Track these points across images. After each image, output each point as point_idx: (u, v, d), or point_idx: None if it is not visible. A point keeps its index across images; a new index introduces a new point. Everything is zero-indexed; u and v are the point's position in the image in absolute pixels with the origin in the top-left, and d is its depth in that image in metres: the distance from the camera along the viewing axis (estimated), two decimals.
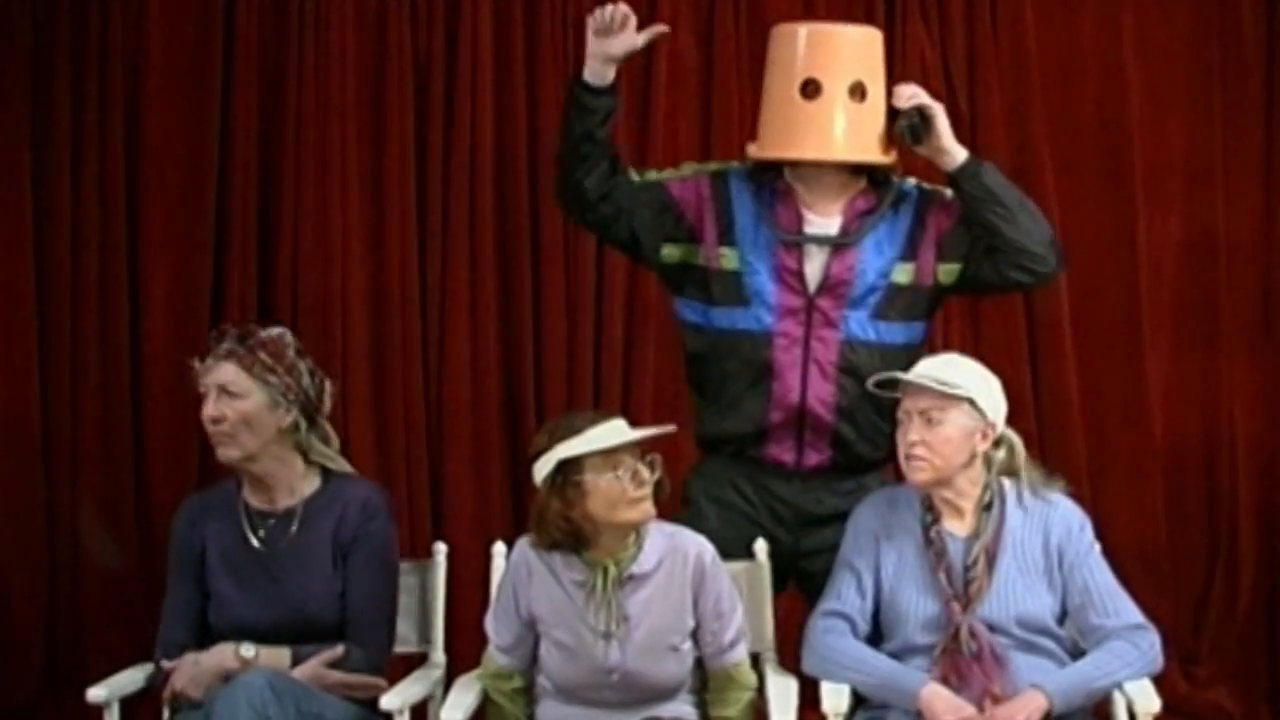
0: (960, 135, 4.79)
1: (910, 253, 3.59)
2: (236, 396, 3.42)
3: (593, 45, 3.58)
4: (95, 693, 3.37)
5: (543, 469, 3.23)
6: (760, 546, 3.61)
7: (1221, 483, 4.88)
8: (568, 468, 3.22)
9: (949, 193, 3.61)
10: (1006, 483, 3.40)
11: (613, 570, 3.27)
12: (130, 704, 3.46)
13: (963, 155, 3.56)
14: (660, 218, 3.61)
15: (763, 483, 3.61)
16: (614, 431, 3.22)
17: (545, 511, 3.25)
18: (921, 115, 3.53)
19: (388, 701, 3.30)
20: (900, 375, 3.37)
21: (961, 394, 3.31)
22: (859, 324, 3.56)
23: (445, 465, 4.77)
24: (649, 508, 3.24)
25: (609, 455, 3.21)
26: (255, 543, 3.47)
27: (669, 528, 3.35)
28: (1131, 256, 4.85)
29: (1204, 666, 4.84)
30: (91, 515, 4.73)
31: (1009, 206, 3.54)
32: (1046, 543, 3.35)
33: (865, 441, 3.59)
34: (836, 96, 3.54)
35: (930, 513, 3.38)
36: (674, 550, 3.31)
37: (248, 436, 3.43)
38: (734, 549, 3.52)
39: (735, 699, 3.35)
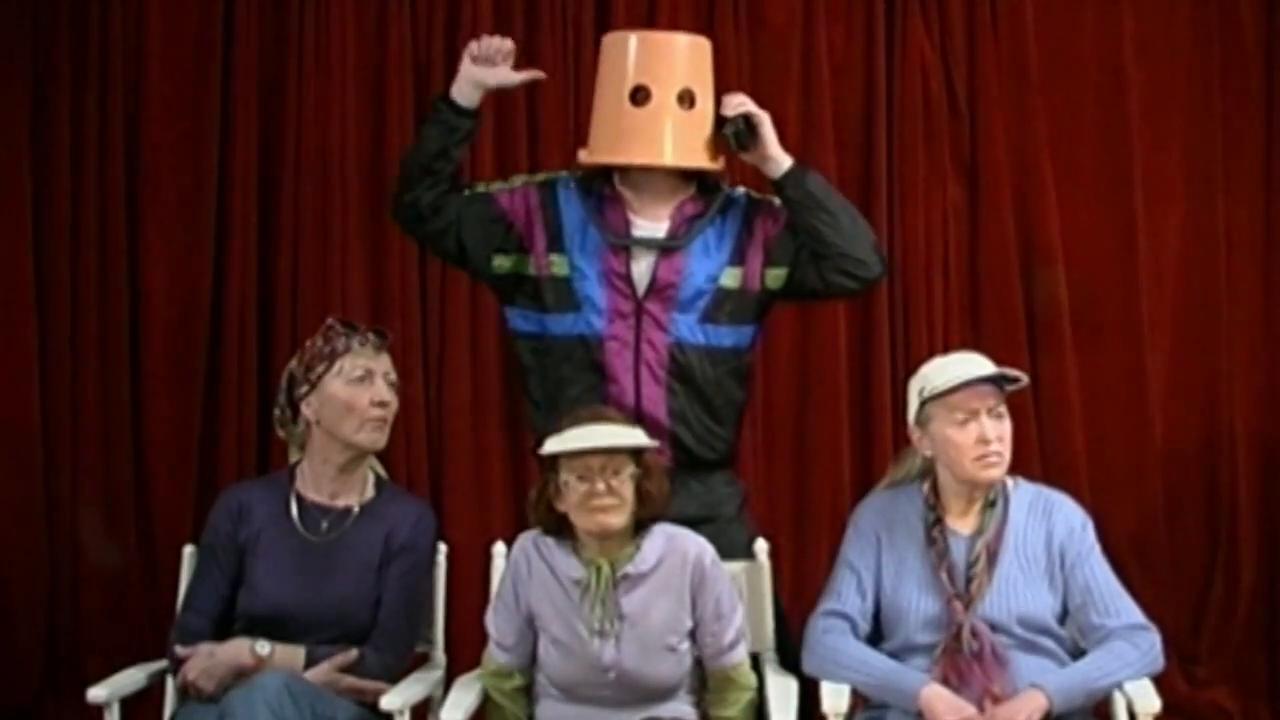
0: (960, 135, 4.86)
1: (738, 258, 3.64)
2: (394, 388, 3.58)
3: (467, 68, 3.64)
4: (95, 693, 3.37)
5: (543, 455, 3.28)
6: (760, 546, 3.62)
7: (1221, 483, 4.87)
8: (554, 460, 3.26)
9: (777, 201, 3.66)
10: (1009, 481, 3.40)
11: (607, 570, 3.28)
12: (130, 704, 3.47)
13: (788, 162, 3.62)
14: (489, 229, 3.66)
15: None
16: (589, 435, 3.23)
17: (536, 497, 3.31)
18: (747, 122, 3.59)
19: (388, 702, 3.31)
20: (989, 370, 3.36)
21: (1022, 385, 3.37)
22: (688, 327, 3.60)
23: (445, 465, 4.77)
24: (606, 519, 3.23)
25: (578, 458, 3.23)
26: (307, 534, 3.50)
27: (671, 528, 3.35)
28: (1131, 256, 4.85)
29: (1204, 666, 4.84)
30: (91, 515, 4.73)
31: (832, 212, 3.60)
32: (1049, 542, 3.35)
33: (701, 444, 3.62)
34: (665, 103, 3.58)
35: (933, 511, 3.39)
36: (673, 550, 3.32)
37: (388, 429, 3.56)
38: None
39: (735, 699, 3.36)
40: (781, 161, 3.61)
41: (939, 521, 3.38)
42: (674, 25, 4.78)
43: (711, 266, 3.62)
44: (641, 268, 3.61)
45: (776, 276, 3.66)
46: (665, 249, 3.60)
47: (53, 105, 4.73)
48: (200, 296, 4.75)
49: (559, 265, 3.64)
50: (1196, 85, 4.88)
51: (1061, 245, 4.82)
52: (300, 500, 3.55)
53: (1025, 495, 3.42)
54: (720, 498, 3.66)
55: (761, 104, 4.77)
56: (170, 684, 3.51)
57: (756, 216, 3.67)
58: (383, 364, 3.57)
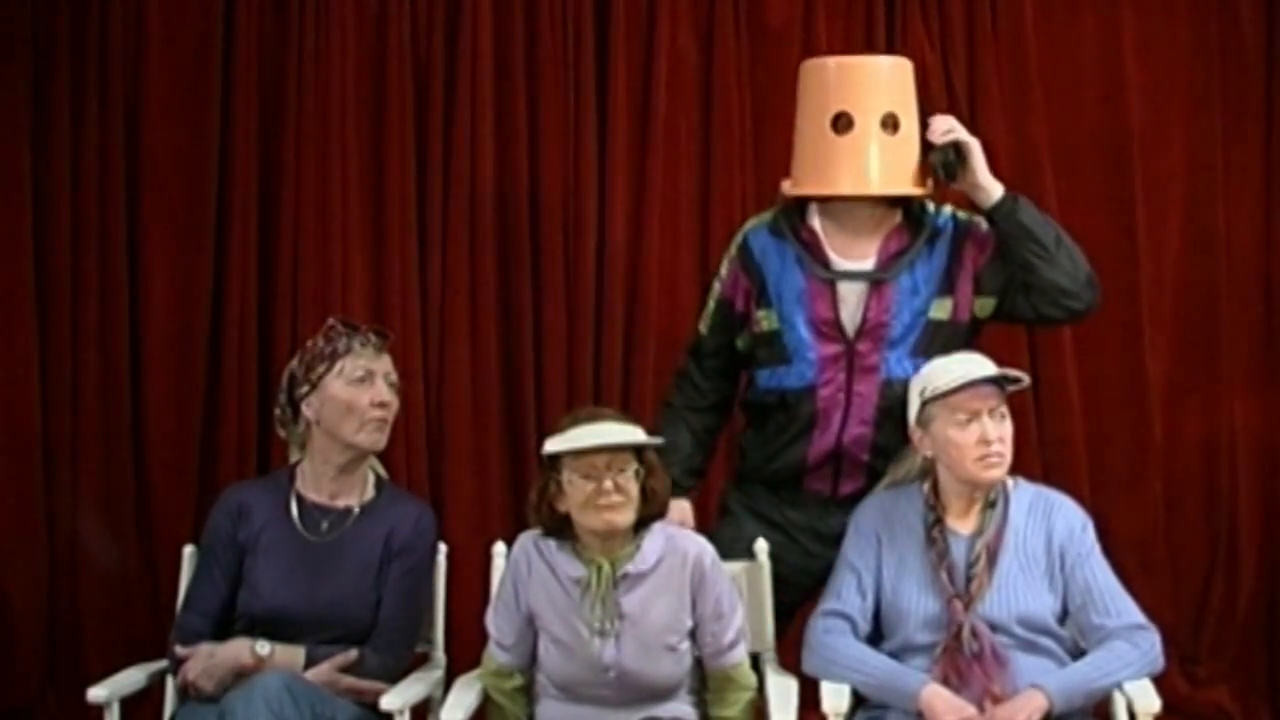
0: None
1: (947, 288, 3.57)
2: (395, 389, 3.59)
3: None
4: (95, 693, 3.38)
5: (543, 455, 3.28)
6: (761, 546, 3.62)
7: (1221, 483, 4.87)
8: (555, 460, 3.26)
9: (984, 223, 3.58)
10: (1010, 481, 3.41)
11: (607, 569, 3.28)
12: (130, 704, 3.47)
13: (999, 192, 3.53)
14: (732, 327, 3.68)
15: (802, 506, 3.66)
16: (592, 434, 3.23)
17: (536, 498, 3.31)
18: (956, 150, 3.51)
19: (388, 702, 3.31)
20: (990, 371, 3.35)
21: (1024, 386, 3.37)
22: (899, 363, 3.55)
23: (445, 465, 4.77)
24: (614, 517, 3.23)
25: (582, 457, 3.22)
26: (307, 535, 3.50)
27: (670, 528, 3.36)
28: (1131, 257, 4.84)
29: (1204, 666, 4.84)
30: (91, 515, 4.73)
31: (1045, 245, 3.51)
32: (1049, 542, 3.35)
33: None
34: (869, 129, 3.51)
35: (933, 511, 3.39)
36: (673, 550, 3.32)
37: (388, 429, 3.56)
38: (775, 564, 3.61)
39: (735, 699, 3.36)
40: (993, 191, 3.52)
41: (939, 521, 3.38)
42: (674, 26, 4.79)
43: (920, 300, 3.55)
44: (850, 307, 3.55)
45: (985, 306, 3.61)
46: (874, 282, 3.53)
47: (53, 105, 4.73)
48: (200, 296, 4.74)
49: (768, 319, 3.61)
50: (1196, 85, 4.88)
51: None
52: (300, 500, 3.55)
53: (1025, 495, 3.42)
54: None
55: (761, 104, 4.80)
56: (170, 684, 3.51)
57: (965, 243, 3.58)
58: (383, 365, 3.57)
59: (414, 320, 4.76)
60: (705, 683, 3.38)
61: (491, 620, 3.41)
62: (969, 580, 3.31)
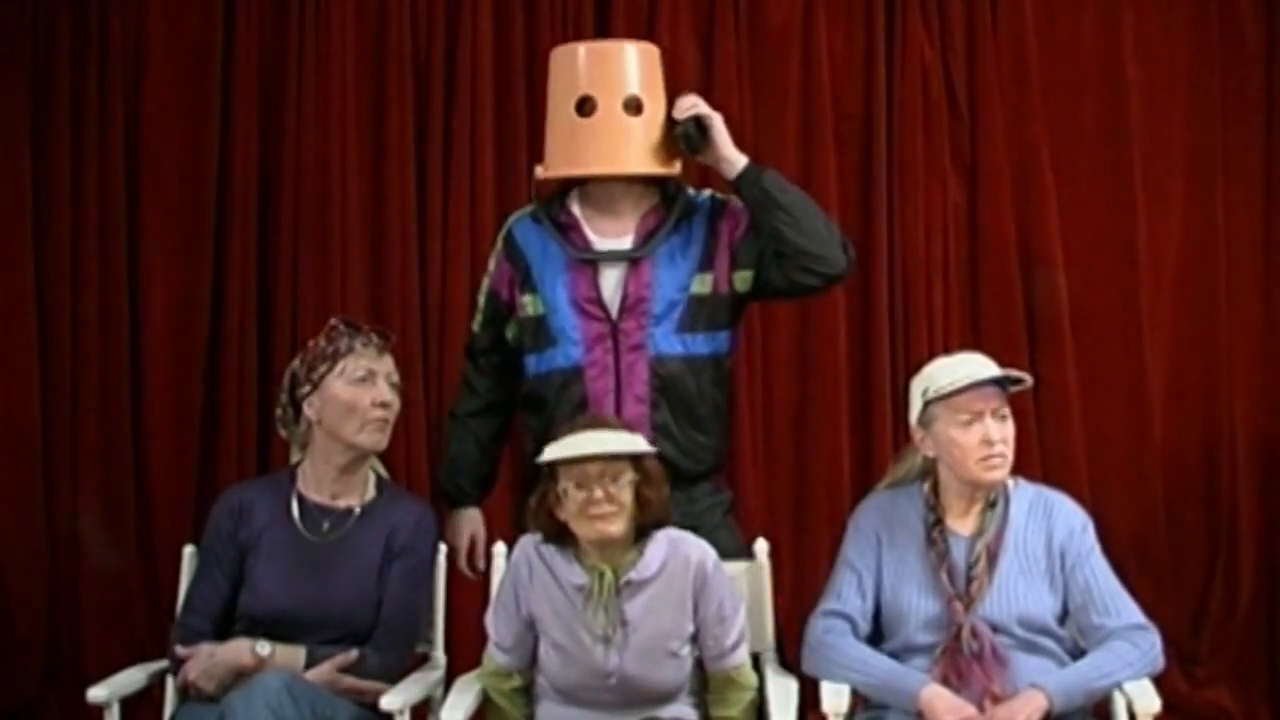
0: (960, 135, 4.85)
1: (706, 263, 3.62)
2: (396, 390, 3.58)
3: None
4: (95, 693, 3.37)
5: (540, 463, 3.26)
6: (761, 546, 3.62)
7: (1221, 483, 4.87)
8: (553, 469, 3.25)
9: (739, 201, 3.64)
10: (1010, 481, 3.40)
11: (609, 577, 3.27)
12: (130, 704, 3.46)
13: (742, 162, 3.59)
14: (501, 320, 3.71)
15: None
16: (588, 442, 3.21)
17: (536, 505, 3.29)
18: (698, 124, 3.58)
19: (388, 702, 3.31)
20: (994, 372, 3.35)
21: (1026, 387, 3.36)
22: (665, 338, 3.58)
23: None
24: (604, 527, 3.21)
25: (576, 465, 3.21)
26: (308, 535, 3.50)
27: (674, 533, 3.34)
28: (1131, 256, 4.85)
29: (1204, 666, 4.84)
30: (91, 515, 4.73)
31: (791, 211, 3.55)
32: (1049, 542, 3.35)
33: (686, 457, 3.59)
34: (613, 111, 3.58)
35: (933, 511, 3.39)
36: (676, 555, 3.31)
37: (390, 430, 3.56)
38: None
39: (736, 699, 3.35)
40: (736, 162, 3.59)
41: (939, 522, 3.38)
42: (674, 26, 4.80)
43: (680, 275, 3.59)
44: (610, 286, 3.59)
45: (744, 279, 3.64)
46: (632, 261, 3.58)
47: (53, 105, 4.73)
48: (200, 296, 4.75)
49: (532, 305, 3.64)
50: (1197, 85, 4.88)
51: (1061, 245, 4.82)
52: (302, 500, 3.55)
53: (1025, 496, 3.42)
54: (703, 508, 3.62)
55: (761, 104, 4.79)
56: (170, 684, 3.50)
57: (721, 219, 3.65)
58: (385, 365, 3.57)
59: (414, 320, 4.77)
60: (706, 684, 3.38)
61: (491, 622, 3.40)
62: (969, 581, 3.30)
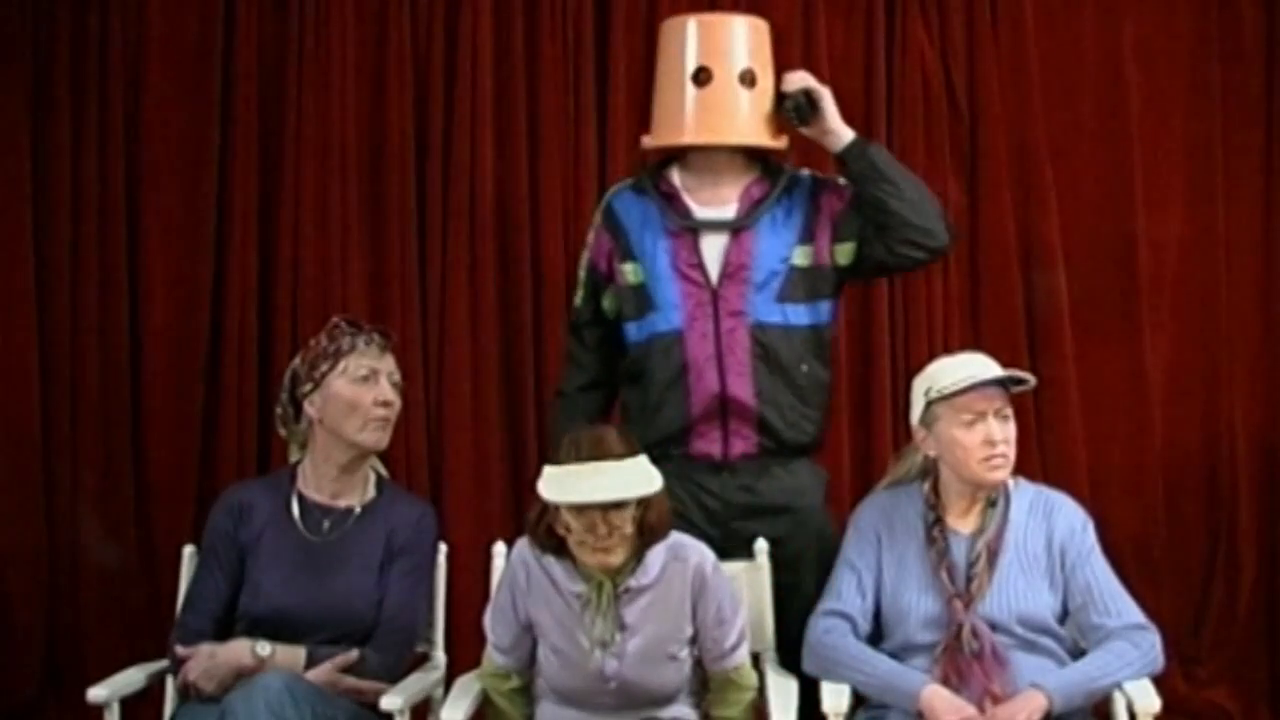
0: (960, 135, 4.85)
1: (807, 235, 3.66)
2: (397, 389, 3.58)
3: None
4: (95, 693, 3.37)
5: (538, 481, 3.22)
6: (760, 546, 3.62)
7: (1221, 483, 4.87)
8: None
9: (842, 180, 3.69)
10: (1010, 481, 3.40)
11: (609, 585, 3.26)
12: (130, 704, 3.47)
13: (849, 135, 3.65)
14: (599, 292, 3.75)
15: (692, 477, 3.62)
16: (589, 476, 3.12)
17: (535, 519, 3.26)
18: (808, 96, 3.62)
19: (388, 702, 3.31)
20: (995, 373, 3.35)
21: (1028, 387, 3.36)
22: (765, 306, 3.61)
23: (445, 465, 4.77)
24: (606, 559, 3.20)
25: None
26: (308, 534, 3.50)
27: (673, 537, 3.33)
28: (1131, 256, 4.84)
29: (1204, 666, 4.84)
30: (91, 515, 4.73)
31: (895, 183, 3.61)
32: (1049, 542, 3.35)
33: (791, 428, 3.62)
34: (728, 82, 3.62)
35: (933, 511, 3.39)
36: (675, 560, 3.30)
37: (391, 428, 3.56)
38: None
39: (736, 700, 3.35)
40: (843, 135, 3.64)
41: (939, 521, 3.38)
42: None
43: (781, 246, 3.63)
44: (713, 253, 3.63)
45: (845, 251, 3.68)
46: (735, 229, 3.61)
47: (53, 106, 4.73)
48: (200, 296, 4.74)
49: (632, 273, 3.67)
50: (1197, 85, 4.88)
51: (1061, 245, 4.82)
52: (302, 500, 3.55)
53: (1026, 495, 3.42)
54: (804, 487, 3.66)
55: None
56: (170, 684, 3.50)
57: (822, 194, 3.70)
58: (387, 364, 3.58)
59: (414, 320, 4.76)
60: (705, 684, 3.37)
61: (489, 624, 3.40)
62: (969, 580, 3.31)
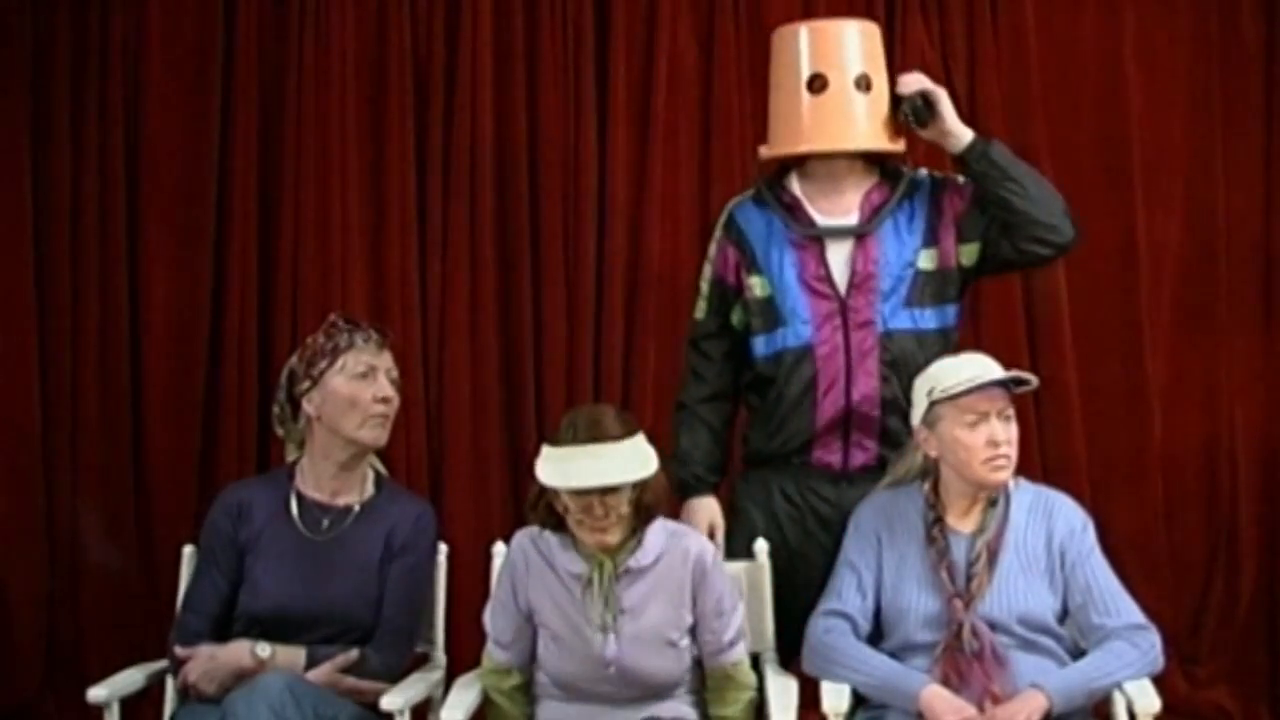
0: None
1: (931, 238, 3.64)
2: (396, 385, 3.57)
3: None
4: (95, 693, 3.37)
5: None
6: (761, 547, 3.62)
7: (1222, 482, 4.87)
8: None
9: (960, 178, 3.66)
10: (1010, 481, 3.40)
11: (609, 565, 3.28)
12: (130, 704, 3.47)
13: (969, 135, 3.61)
14: (727, 305, 3.71)
15: (810, 486, 3.64)
16: (586, 459, 3.15)
17: (534, 498, 3.30)
18: (924, 99, 3.60)
19: (388, 701, 3.31)
20: (997, 375, 3.35)
21: (1032, 388, 3.36)
22: (893, 314, 3.60)
23: (445, 465, 4.77)
24: (603, 538, 3.23)
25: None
26: (307, 533, 3.50)
27: (671, 525, 3.36)
28: (1131, 256, 4.84)
29: (1204, 666, 4.84)
30: (91, 515, 4.73)
31: (1019, 180, 3.58)
32: (1049, 542, 3.35)
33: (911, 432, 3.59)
34: (845, 88, 3.60)
35: (933, 510, 3.39)
36: (674, 547, 3.33)
37: (389, 425, 3.55)
38: (781, 554, 3.60)
39: (735, 699, 3.36)
40: (962, 136, 3.61)
41: (939, 520, 3.38)
42: (674, 25, 4.79)
43: (907, 251, 3.62)
44: (839, 263, 3.61)
45: (969, 252, 3.66)
46: (859, 236, 3.60)
47: (53, 105, 4.73)
48: (200, 296, 4.74)
49: (760, 286, 3.66)
50: (1197, 85, 4.88)
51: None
52: (300, 498, 3.55)
53: (1026, 495, 3.42)
54: None
55: (761, 104, 4.78)
56: (170, 684, 3.50)
57: (943, 195, 3.67)
58: (385, 361, 3.58)
59: (414, 320, 4.77)
60: (705, 683, 3.38)
61: (489, 619, 3.41)
62: (969, 579, 3.31)
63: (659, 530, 3.33)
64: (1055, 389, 4.77)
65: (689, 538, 3.36)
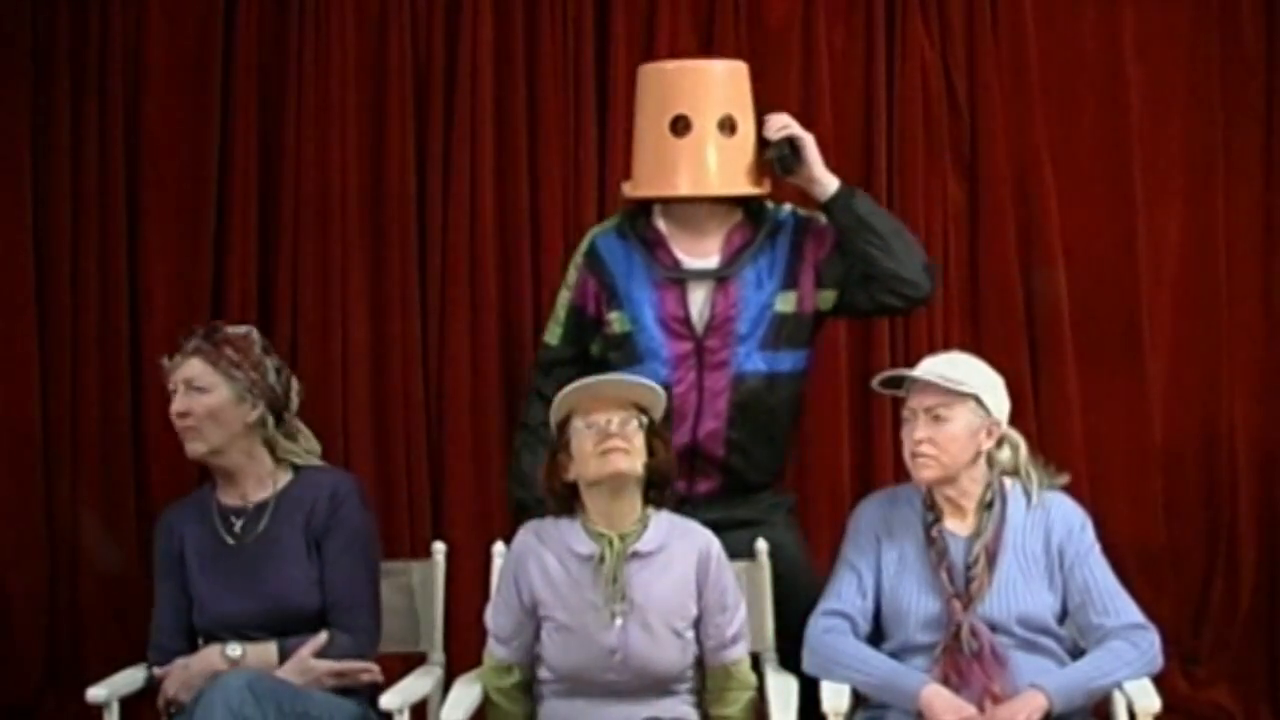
0: (960, 135, 4.84)
1: (790, 281, 3.63)
2: (203, 391, 3.47)
3: None
4: (95, 693, 3.37)
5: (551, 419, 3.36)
6: (760, 547, 3.62)
7: (1221, 482, 4.87)
8: (563, 428, 3.31)
9: (823, 218, 3.64)
10: (1008, 482, 3.41)
11: (618, 544, 3.29)
12: (130, 704, 3.47)
13: (834, 184, 3.60)
14: (584, 335, 3.70)
15: None
16: (596, 380, 3.31)
17: (546, 475, 3.36)
18: (791, 145, 3.58)
19: (388, 701, 3.31)
20: (906, 372, 3.39)
21: (968, 391, 3.32)
22: (748, 357, 3.60)
23: (445, 465, 4.77)
24: (618, 460, 3.25)
25: (589, 409, 3.27)
26: (229, 539, 3.50)
27: (676, 518, 3.38)
28: (1131, 256, 4.84)
29: (1204, 666, 4.84)
30: (91, 515, 4.73)
31: (882, 234, 3.58)
32: (1048, 542, 3.35)
33: (754, 469, 3.65)
34: (707, 131, 3.57)
35: (932, 511, 3.39)
36: (679, 537, 3.36)
37: (213, 431, 3.47)
38: None
39: (735, 698, 3.36)
40: (828, 185, 3.60)
41: (938, 521, 3.38)
42: (674, 26, 4.79)
43: (765, 294, 3.61)
44: (698, 305, 3.61)
45: (826, 299, 3.66)
46: (719, 279, 3.59)
47: (53, 105, 4.73)
48: (200, 296, 4.74)
49: (619, 322, 3.65)
50: (1197, 85, 4.88)
51: (1061, 245, 4.82)
52: (219, 507, 3.54)
53: (1023, 495, 3.42)
54: (764, 508, 3.69)
55: (761, 104, 4.79)
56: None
57: (805, 238, 3.65)
58: (189, 370, 3.50)
59: (414, 320, 4.76)
60: (705, 683, 3.38)
61: (490, 615, 3.41)
62: (968, 580, 3.31)
63: (662, 519, 3.36)
64: (1055, 389, 4.77)
65: (693, 530, 3.38)
